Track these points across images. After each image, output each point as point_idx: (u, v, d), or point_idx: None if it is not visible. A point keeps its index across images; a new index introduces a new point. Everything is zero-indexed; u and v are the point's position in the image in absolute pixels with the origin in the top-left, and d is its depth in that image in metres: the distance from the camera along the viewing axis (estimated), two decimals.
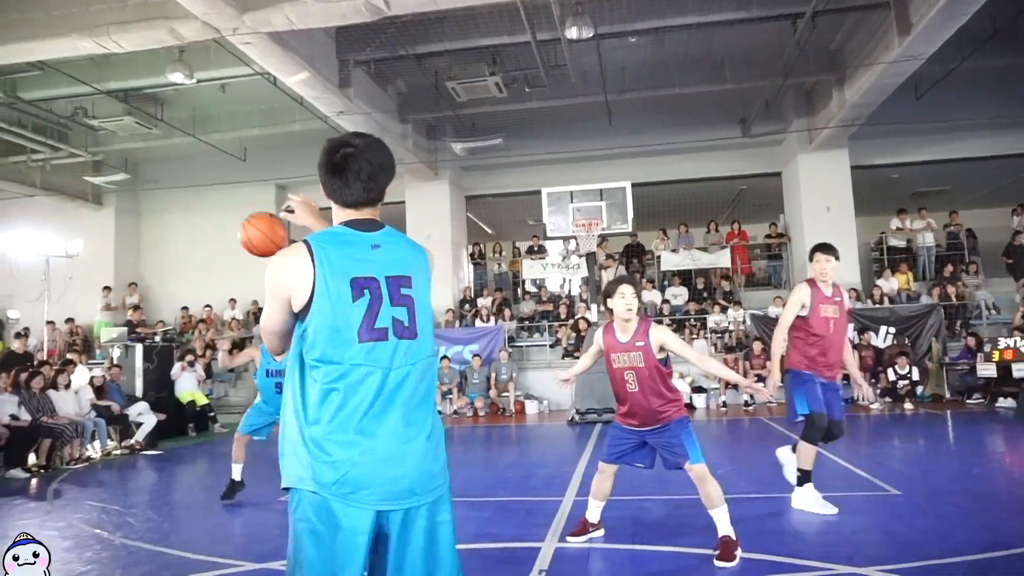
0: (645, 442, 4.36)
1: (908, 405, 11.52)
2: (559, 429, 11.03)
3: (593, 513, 4.66)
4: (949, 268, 14.71)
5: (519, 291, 17.41)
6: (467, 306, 16.20)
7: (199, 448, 10.74)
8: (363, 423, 1.81)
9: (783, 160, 16.27)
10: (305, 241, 1.89)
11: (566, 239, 14.90)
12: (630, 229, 12.39)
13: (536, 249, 16.90)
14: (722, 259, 15.94)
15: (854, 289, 14.13)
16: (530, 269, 16.69)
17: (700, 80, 13.17)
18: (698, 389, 13.26)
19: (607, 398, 11.12)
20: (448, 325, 15.51)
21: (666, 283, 16.24)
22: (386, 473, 1.81)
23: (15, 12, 9.39)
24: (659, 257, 16.40)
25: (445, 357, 13.94)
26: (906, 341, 12.83)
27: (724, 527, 4.11)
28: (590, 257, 13.06)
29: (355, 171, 1.94)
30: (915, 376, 11.88)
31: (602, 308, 10.30)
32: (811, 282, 5.18)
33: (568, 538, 4.61)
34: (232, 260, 17.41)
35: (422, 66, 12.74)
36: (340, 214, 1.97)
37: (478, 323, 15.37)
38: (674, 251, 16.19)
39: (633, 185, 12.21)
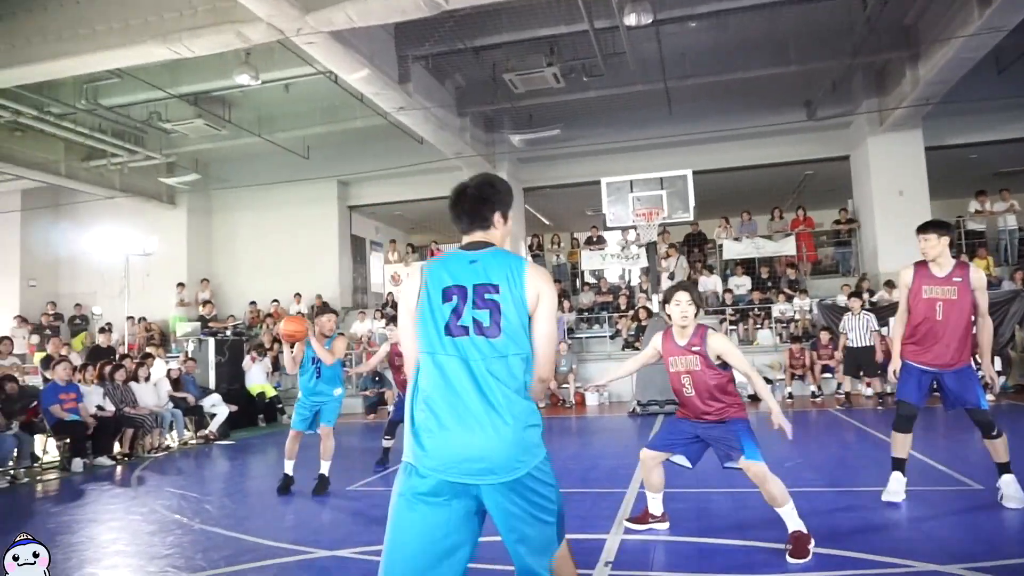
0: (698, 437, 4.30)
1: (990, 396, 10.97)
2: (620, 421, 10.94)
3: (655, 505, 4.63)
4: None
5: (578, 282, 17.31)
6: None
7: (269, 438, 11.09)
8: (447, 403, 2.19)
9: (852, 143, 15.69)
10: (422, 264, 2.42)
11: (625, 229, 14.72)
12: (691, 218, 12.15)
13: (595, 240, 16.77)
14: (787, 247, 15.51)
15: None
16: (589, 260, 16.59)
17: (763, 63, 12.79)
18: (763, 380, 12.96)
19: (669, 390, 11.00)
20: None
21: (728, 272, 15.89)
22: (465, 452, 2.15)
23: (99, 23, 9.82)
24: (721, 246, 16.06)
25: None
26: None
27: (793, 523, 4.00)
28: (650, 247, 12.90)
29: (462, 207, 2.45)
30: (998, 366, 11.32)
31: (661, 299, 10.18)
32: (918, 264, 4.97)
33: (626, 522, 4.64)
34: (297, 255, 17.98)
35: (479, 59, 12.76)
36: (463, 237, 2.46)
37: None
38: (736, 239, 15.84)
39: (694, 173, 11.97)
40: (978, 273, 4.84)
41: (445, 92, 13.82)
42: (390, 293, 17.31)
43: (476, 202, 2.44)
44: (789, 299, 14.22)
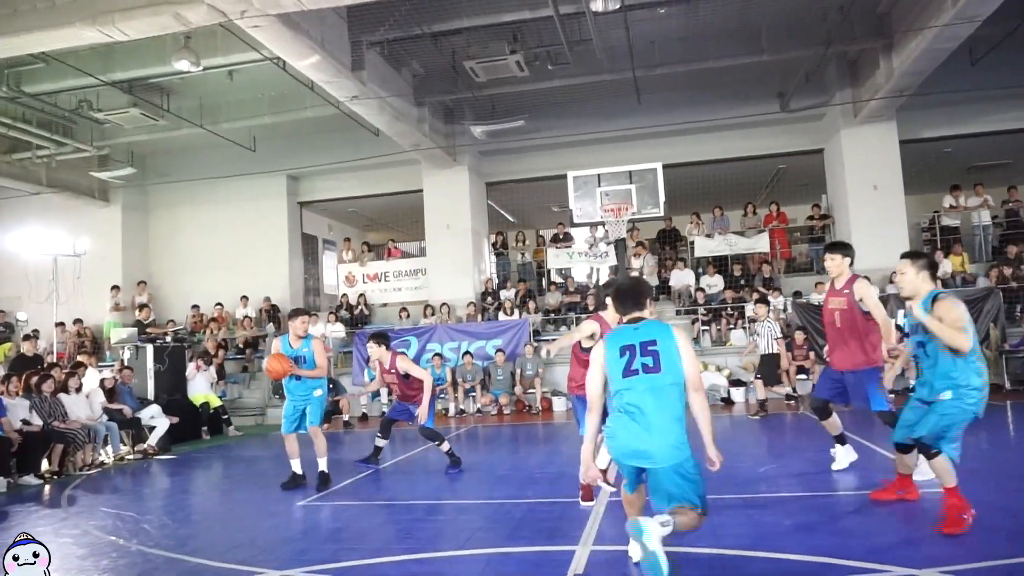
0: None
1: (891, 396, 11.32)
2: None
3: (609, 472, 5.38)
4: (1013, 249, 14.29)
5: (544, 282, 17.36)
6: (489, 299, 16.20)
7: (214, 451, 10.88)
8: (632, 418, 3.73)
9: (825, 136, 16.03)
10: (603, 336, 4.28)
11: (593, 225, 14.80)
12: (662, 213, 12.24)
13: (561, 237, 16.84)
14: (760, 243, 15.77)
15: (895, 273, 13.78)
16: (555, 258, 16.65)
17: (735, 52, 13.00)
18: (736, 383, 13.16)
19: None
20: (469, 319, 15.53)
21: (700, 270, 16.10)
22: (642, 446, 3.70)
23: (22, 1, 9.51)
24: (693, 243, 16.27)
25: (467, 353, 13.98)
26: None
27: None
28: (619, 244, 12.98)
29: (622, 298, 4.11)
30: None
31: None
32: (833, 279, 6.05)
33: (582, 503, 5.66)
34: (244, 256, 17.71)
35: (438, 45, 12.71)
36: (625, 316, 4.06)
37: (501, 316, 15.38)
38: (709, 236, 16.05)
39: (664, 166, 12.08)
40: (862, 285, 5.73)
41: (402, 80, 13.74)
42: (344, 295, 17.15)
43: (636, 294, 4.03)
44: (763, 300, 14.44)
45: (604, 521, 5.15)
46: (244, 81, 13.67)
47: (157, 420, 11.22)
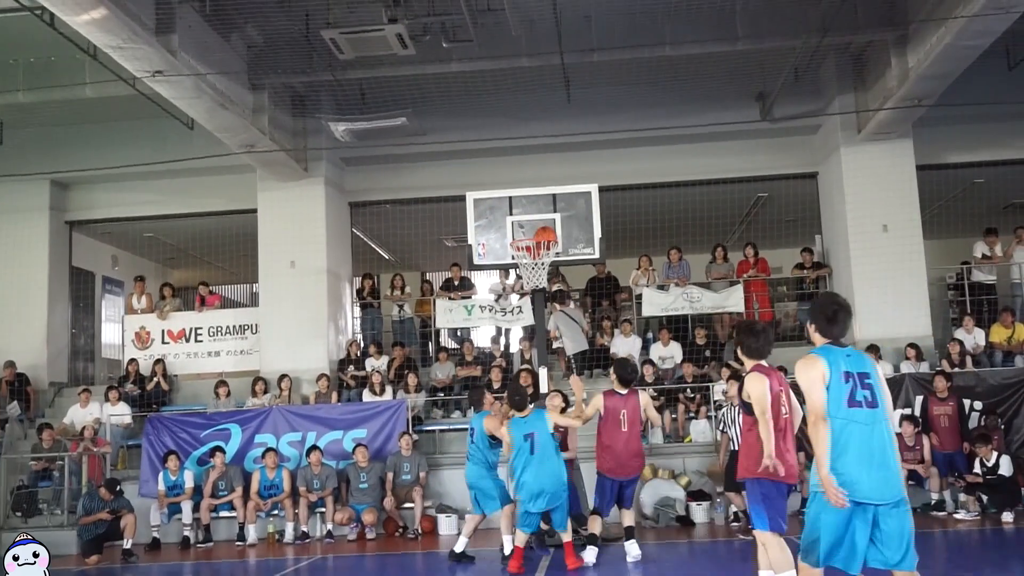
0: None
1: (1007, 516, 11.80)
2: (490, 561, 10.82)
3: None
4: None
5: (431, 347, 17.26)
6: (351, 369, 15.97)
7: None
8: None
9: (820, 156, 16.72)
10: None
11: (502, 268, 14.88)
12: (596, 255, 12.40)
13: (456, 284, 16.84)
14: (732, 300, 16.13)
15: (912, 346, 14.41)
16: (447, 314, 16.58)
17: (701, 36, 13.43)
18: (696, 495, 13.27)
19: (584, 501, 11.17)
20: (320, 399, 15.23)
21: (650, 335, 16.33)
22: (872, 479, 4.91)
23: None
24: (640, 297, 16.52)
25: (315, 449, 13.65)
26: (998, 422, 13.17)
27: None
28: (538, 296, 13.05)
29: (844, 321, 5.28)
30: (1003, 468, 12.17)
31: (552, 369, 10.39)
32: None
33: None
34: None
35: (286, 6, 12.70)
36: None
37: (367, 396, 15.16)
38: (661, 288, 16.35)
39: (601, 189, 12.28)
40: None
41: (231, 52, 13.59)
42: (133, 361, 16.53)
43: (849, 317, 5.32)
44: (735, 375, 14.76)
45: None
46: None
47: None
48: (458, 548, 10.58)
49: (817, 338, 5.30)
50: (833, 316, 5.15)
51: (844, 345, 5.11)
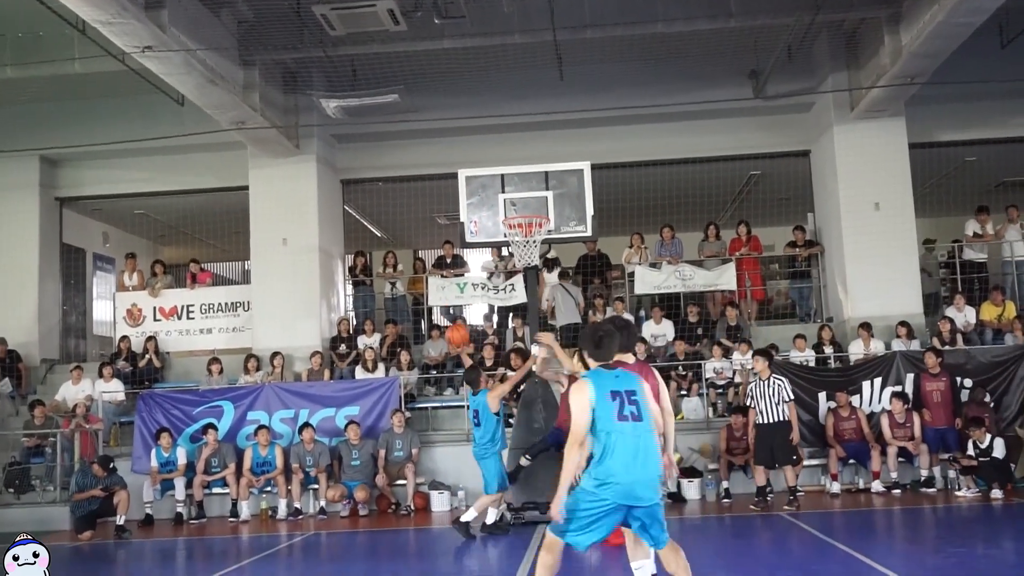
0: None
1: (996, 492, 11.90)
2: (481, 535, 10.92)
3: None
4: None
5: (423, 325, 17.29)
6: (343, 347, 16.01)
7: None
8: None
9: (813, 133, 16.76)
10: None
11: (494, 246, 14.89)
12: (589, 232, 12.45)
13: (449, 262, 16.85)
14: (724, 278, 16.22)
15: (903, 324, 14.45)
16: (440, 292, 16.62)
17: (693, 13, 13.40)
18: (688, 472, 13.36)
19: (549, 487, 11.19)
20: (312, 377, 15.27)
21: (643, 313, 16.38)
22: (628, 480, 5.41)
23: None
24: (632, 275, 16.58)
25: (307, 426, 13.69)
26: (987, 399, 13.23)
27: None
28: (530, 274, 13.10)
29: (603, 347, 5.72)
30: (997, 451, 12.25)
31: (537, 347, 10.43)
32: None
33: None
34: None
35: None
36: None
37: (359, 373, 15.20)
38: (654, 266, 16.40)
39: (594, 167, 12.31)
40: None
41: (221, 28, 13.53)
42: (124, 338, 16.55)
43: (618, 339, 5.82)
44: (727, 353, 14.83)
45: None
46: None
47: None
48: (489, 519, 10.79)
49: (590, 362, 5.78)
50: (599, 341, 5.67)
51: (612, 367, 5.64)
